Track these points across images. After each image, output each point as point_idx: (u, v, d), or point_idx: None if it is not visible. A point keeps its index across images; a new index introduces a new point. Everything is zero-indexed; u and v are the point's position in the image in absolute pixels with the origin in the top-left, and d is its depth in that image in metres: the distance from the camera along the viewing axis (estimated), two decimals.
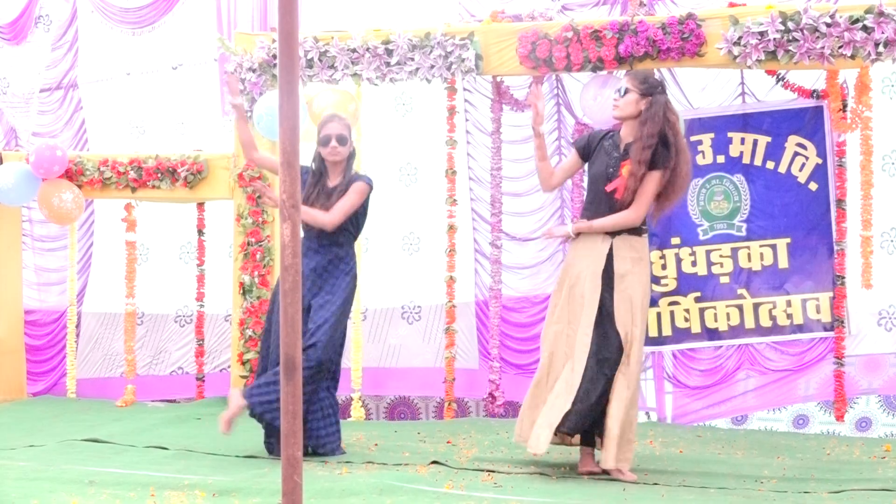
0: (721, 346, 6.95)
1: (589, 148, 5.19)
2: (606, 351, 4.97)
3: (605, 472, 5.02)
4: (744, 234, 6.85)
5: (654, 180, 4.98)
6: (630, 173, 4.95)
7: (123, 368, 7.95)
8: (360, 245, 7.20)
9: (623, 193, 4.98)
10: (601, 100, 6.56)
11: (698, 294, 6.90)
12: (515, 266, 7.40)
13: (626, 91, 5.02)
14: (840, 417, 6.67)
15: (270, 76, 6.94)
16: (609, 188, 5.02)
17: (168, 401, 7.95)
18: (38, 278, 8.53)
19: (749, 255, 6.84)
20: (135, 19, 8.43)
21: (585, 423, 5.01)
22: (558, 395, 5.01)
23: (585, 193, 5.29)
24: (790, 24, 5.95)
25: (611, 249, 5.05)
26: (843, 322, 6.63)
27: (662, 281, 6.94)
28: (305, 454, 5.38)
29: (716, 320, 6.86)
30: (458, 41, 6.60)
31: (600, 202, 5.07)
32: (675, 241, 6.94)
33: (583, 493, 4.67)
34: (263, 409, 5.29)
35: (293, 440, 2.74)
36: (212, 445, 5.73)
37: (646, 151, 4.93)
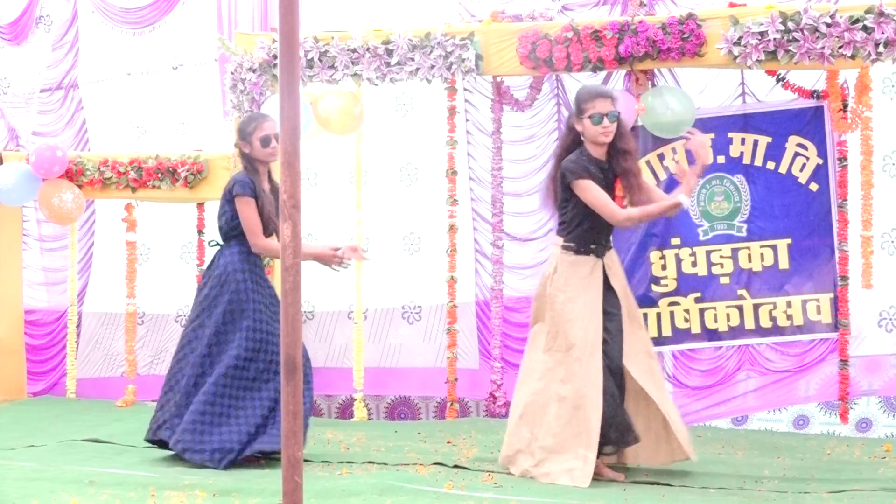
0: (721, 347, 6.94)
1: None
2: None
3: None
4: (744, 234, 6.85)
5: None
6: (639, 185, 5.16)
7: (124, 368, 7.95)
8: (361, 245, 7.21)
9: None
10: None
11: (698, 294, 6.90)
12: (516, 266, 7.40)
13: (618, 115, 5.13)
14: (845, 420, 6.66)
15: (270, 76, 6.94)
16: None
17: None
18: (46, 278, 8.53)
19: (749, 255, 6.84)
20: (135, 19, 8.43)
21: None
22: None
23: (574, 221, 5.14)
24: (790, 25, 5.95)
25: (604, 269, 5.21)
26: (847, 324, 6.62)
27: (662, 281, 6.94)
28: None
29: (716, 321, 6.86)
30: (459, 41, 6.60)
31: (603, 224, 5.12)
32: (675, 241, 6.94)
33: (583, 493, 4.67)
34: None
35: (293, 440, 2.75)
36: None
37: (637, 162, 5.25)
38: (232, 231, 5.50)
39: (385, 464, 5.34)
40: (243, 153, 5.57)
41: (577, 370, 4.99)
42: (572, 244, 5.13)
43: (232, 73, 7.06)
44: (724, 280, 6.86)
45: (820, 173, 6.70)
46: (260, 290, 5.51)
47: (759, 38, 6.00)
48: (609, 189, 5.14)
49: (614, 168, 5.15)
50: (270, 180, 5.60)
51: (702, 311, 6.88)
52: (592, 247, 5.13)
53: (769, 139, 6.79)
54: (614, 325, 5.08)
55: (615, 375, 5.02)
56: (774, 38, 5.96)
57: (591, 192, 5.04)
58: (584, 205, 5.07)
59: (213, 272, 5.55)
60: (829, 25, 5.89)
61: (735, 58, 6.08)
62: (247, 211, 5.42)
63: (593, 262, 5.13)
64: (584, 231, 5.12)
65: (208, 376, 5.39)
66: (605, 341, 5.03)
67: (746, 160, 6.84)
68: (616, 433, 5.02)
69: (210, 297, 5.49)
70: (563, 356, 5.05)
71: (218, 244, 5.64)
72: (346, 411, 7.73)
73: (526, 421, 5.12)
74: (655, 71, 6.78)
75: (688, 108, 6.61)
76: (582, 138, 5.13)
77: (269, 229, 5.47)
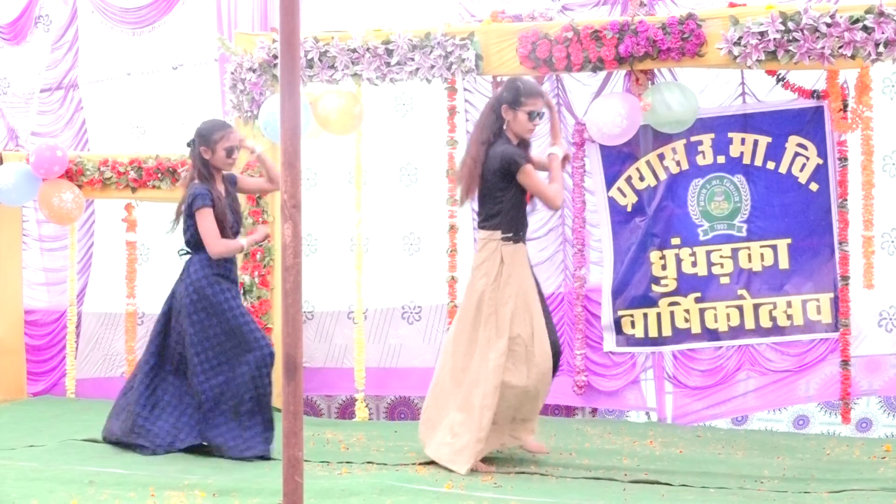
0: (721, 347, 6.94)
1: None
2: None
3: None
4: (744, 234, 6.85)
5: None
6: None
7: (124, 368, 7.95)
8: (361, 245, 7.22)
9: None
10: (623, 117, 6.56)
11: (698, 294, 6.90)
12: None
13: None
14: (847, 420, 6.67)
15: (271, 76, 6.94)
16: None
17: None
18: (46, 278, 8.52)
19: (749, 255, 6.84)
20: (135, 19, 8.43)
21: None
22: None
23: (510, 211, 5.30)
24: (790, 25, 5.95)
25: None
26: (848, 324, 6.62)
27: (662, 281, 6.94)
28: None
29: (716, 321, 6.86)
30: (459, 41, 6.60)
31: (525, 211, 5.37)
32: (676, 241, 6.94)
33: (583, 493, 4.67)
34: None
35: (293, 440, 2.75)
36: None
37: None
38: (201, 242, 5.67)
39: (385, 464, 5.34)
40: (202, 158, 5.65)
41: (529, 359, 5.15)
42: (510, 234, 5.27)
43: (232, 73, 7.07)
44: (724, 280, 6.86)
45: (820, 173, 6.70)
46: (232, 288, 5.74)
47: (759, 38, 6.00)
48: None
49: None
50: (224, 182, 5.78)
51: (702, 311, 6.88)
52: (521, 233, 5.33)
53: (769, 139, 6.79)
54: (544, 307, 5.36)
55: (556, 357, 5.30)
56: (774, 38, 5.96)
57: (535, 177, 5.24)
58: (518, 194, 5.24)
59: (184, 280, 5.73)
60: (829, 25, 5.89)
61: (735, 58, 6.08)
62: (206, 221, 5.61)
63: (524, 248, 5.35)
64: (518, 220, 5.30)
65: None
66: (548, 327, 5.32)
67: (746, 160, 6.85)
68: None
69: (186, 306, 5.67)
70: (510, 343, 5.16)
71: (188, 252, 5.79)
72: (345, 411, 7.73)
73: (479, 412, 5.15)
74: (656, 71, 6.78)
75: (687, 106, 6.61)
76: (504, 127, 5.28)
77: (226, 231, 5.68)
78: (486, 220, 5.32)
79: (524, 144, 5.38)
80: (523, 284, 5.24)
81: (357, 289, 7.20)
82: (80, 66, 8.65)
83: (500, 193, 5.24)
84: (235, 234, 5.79)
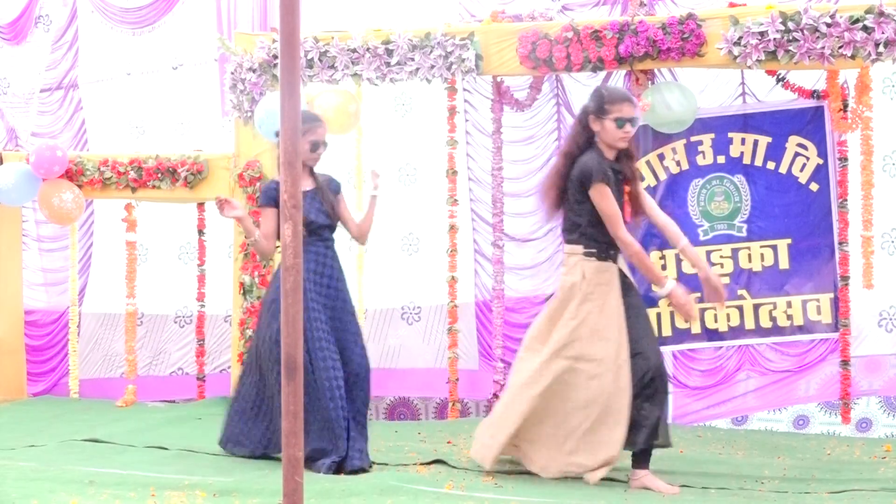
0: (721, 347, 6.94)
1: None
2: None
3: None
4: (744, 234, 6.85)
5: None
6: (638, 191, 5.08)
7: (123, 369, 7.95)
8: (360, 246, 7.21)
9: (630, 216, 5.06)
10: None
11: (698, 295, 6.87)
12: (515, 267, 7.39)
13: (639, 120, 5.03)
14: (847, 420, 6.67)
15: (270, 76, 6.94)
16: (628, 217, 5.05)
17: (168, 402, 7.94)
18: (44, 279, 8.52)
19: (749, 255, 6.84)
20: (135, 19, 8.43)
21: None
22: None
23: (591, 224, 4.97)
24: (790, 25, 5.95)
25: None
26: (848, 324, 6.62)
27: None
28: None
29: (716, 321, 6.86)
30: (459, 41, 6.60)
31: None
32: None
33: (583, 494, 4.67)
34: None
35: (293, 440, 2.75)
36: (212, 445, 5.72)
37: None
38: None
39: (385, 464, 5.34)
40: None
41: (602, 383, 4.88)
42: (594, 250, 4.97)
43: (232, 73, 7.06)
44: (725, 280, 6.85)
45: (820, 173, 6.70)
46: (320, 290, 5.44)
47: (759, 38, 6.00)
48: (619, 192, 4.99)
49: (624, 172, 5.02)
50: (317, 180, 5.52)
51: (702, 311, 6.87)
52: (612, 252, 4.99)
53: (769, 139, 6.79)
54: (642, 323, 5.01)
55: (656, 376, 4.91)
56: (774, 38, 5.96)
57: (608, 199, 4.89)
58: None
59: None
60: (829, 25, 5.89)
61: (735, 58, 6.08)
62: (262, 221, 5.41)
63: (614, 267, 5.00)
64: (601, 235, 4.96)
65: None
66: (636, 341, 4.93)
67: (746, 160, 6.85)
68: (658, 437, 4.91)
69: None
70: (585, 365, 4.92)
71: None
72: None
73: (547, 425, 5.01)
74: (656, 71, 6.78)
75: (687, 106, 6.61)
76: (596, 139, 4.98)
77: (307, 228, 5.32)
78: (568, 233, 5.06)
79: (627, 156, 5.02)
80: (605, 305, 4.94)
81: (357, 289, 7.20)
82: (79, 66, 8.65)
83: (579, 206, 4.97)
84: (314, 233, 5.44)
